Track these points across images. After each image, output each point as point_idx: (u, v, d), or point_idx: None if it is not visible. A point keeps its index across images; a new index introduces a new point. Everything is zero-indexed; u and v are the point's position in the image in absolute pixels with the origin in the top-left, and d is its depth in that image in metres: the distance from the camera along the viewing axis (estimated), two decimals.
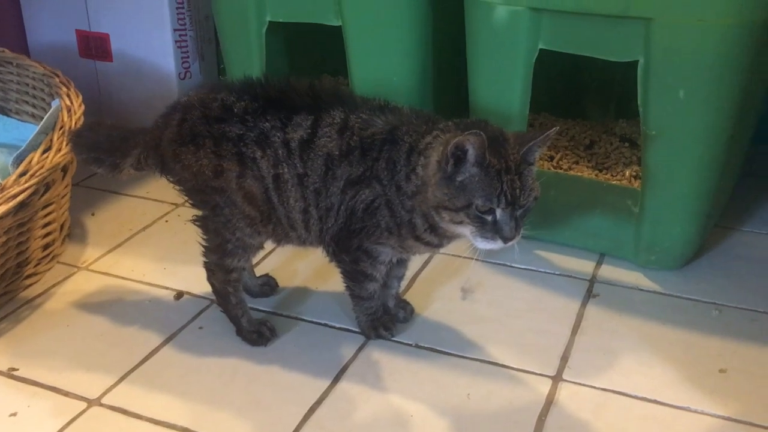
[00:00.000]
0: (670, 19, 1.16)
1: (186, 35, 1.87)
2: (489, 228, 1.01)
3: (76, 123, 1.40)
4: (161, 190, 1.35)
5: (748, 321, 1.26)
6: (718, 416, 1.07)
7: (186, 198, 1.20)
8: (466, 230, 1.03)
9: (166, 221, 1.62)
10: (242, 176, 1.12)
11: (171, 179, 1.20)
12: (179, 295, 1.36)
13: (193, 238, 1.21)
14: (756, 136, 1.68)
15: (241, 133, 1.11)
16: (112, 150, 1.22)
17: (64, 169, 1.40)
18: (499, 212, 1.01)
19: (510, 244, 1.02)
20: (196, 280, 1.31)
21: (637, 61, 1.23)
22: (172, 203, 1.65)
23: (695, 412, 1.08)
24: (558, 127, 1.07)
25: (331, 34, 1.53)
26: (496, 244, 1.02)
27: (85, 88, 1.66)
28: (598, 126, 1.72)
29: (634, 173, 1.49)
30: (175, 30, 1.84)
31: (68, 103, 1.45)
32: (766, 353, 1.18)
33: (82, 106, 1.46)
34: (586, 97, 1.82)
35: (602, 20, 1.22)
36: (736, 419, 1.06)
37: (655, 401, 1.10)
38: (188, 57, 1.89)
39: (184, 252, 1.45)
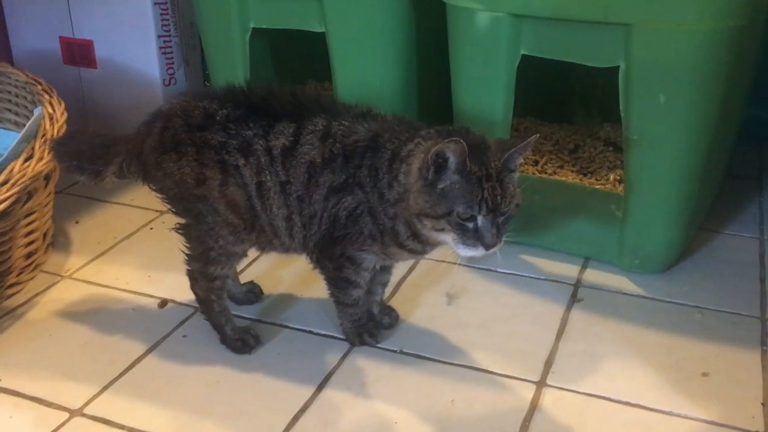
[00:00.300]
0: (649, 24, 1.17)
1: (170, 41, 1.86)
2: (470, 235, 1.01)
3: (58, 131, 1.39)
4: (146, 197, 1.35)
5: (730, 324, 1.26)
6: (701, 420, 1.07)
7: (168, 206, 1.19)
8: (448, 237, 1.03)
9: (151, 228, 1.61)
10: (225, 184, 1.12)
11: (153, 187, 1.19)
12: (163, 303, 1.36)
13: (178, 246, 1.21)
14: (739, 138, 1.69)
15: (223, 140, 1.11)
16: (94, 158, 1.21)
17: (47, 178, 1.39)
18: (480, 219, 1.01)
19: (492, 251, 1.02)
20: (180, 288, 1.30)
21: (618, 67, 1.23)
22: (157, 210, 1.65)
23: (678, 416, 1.08)
24: (538, 135, 1.08)
25: (316, 39, 1.53)
26: (478, 251, 1.02)
27: (69, 95, 1.66)
28: (583, 130, 1.73)
29: (618, 177, 1.49)
30: (159, 36, 1.84)
31: (50, 110, 1.45)
32: (749, 356, 1.19)
33: (65, 114, 1.45)
34: (571, 101, 1.82)
35: (582, 26, 1.22)
36: (718, 423, 1.07)
37: (638, 405, 1.10)
38: (173, 63, 1.88)
39: (168, 259, 1.45)
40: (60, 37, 1.93)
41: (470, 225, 1.01)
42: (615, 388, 1.13)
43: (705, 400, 1.10)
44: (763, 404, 1.09)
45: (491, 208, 1.00)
